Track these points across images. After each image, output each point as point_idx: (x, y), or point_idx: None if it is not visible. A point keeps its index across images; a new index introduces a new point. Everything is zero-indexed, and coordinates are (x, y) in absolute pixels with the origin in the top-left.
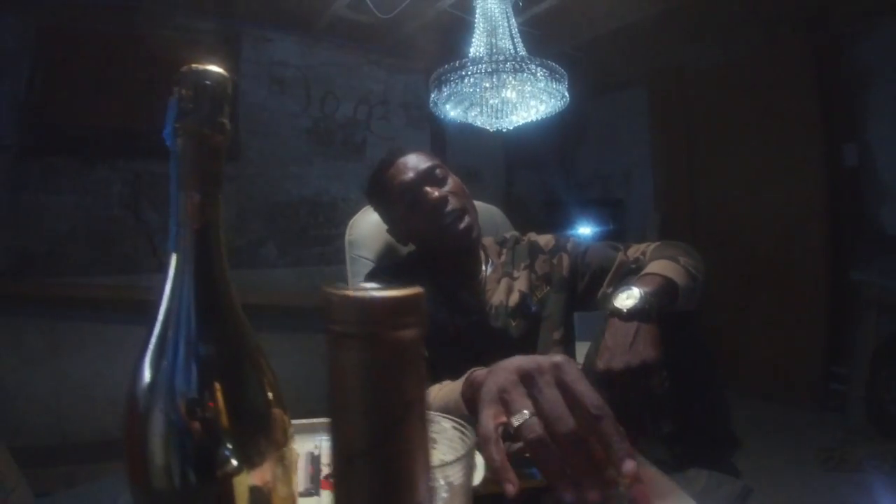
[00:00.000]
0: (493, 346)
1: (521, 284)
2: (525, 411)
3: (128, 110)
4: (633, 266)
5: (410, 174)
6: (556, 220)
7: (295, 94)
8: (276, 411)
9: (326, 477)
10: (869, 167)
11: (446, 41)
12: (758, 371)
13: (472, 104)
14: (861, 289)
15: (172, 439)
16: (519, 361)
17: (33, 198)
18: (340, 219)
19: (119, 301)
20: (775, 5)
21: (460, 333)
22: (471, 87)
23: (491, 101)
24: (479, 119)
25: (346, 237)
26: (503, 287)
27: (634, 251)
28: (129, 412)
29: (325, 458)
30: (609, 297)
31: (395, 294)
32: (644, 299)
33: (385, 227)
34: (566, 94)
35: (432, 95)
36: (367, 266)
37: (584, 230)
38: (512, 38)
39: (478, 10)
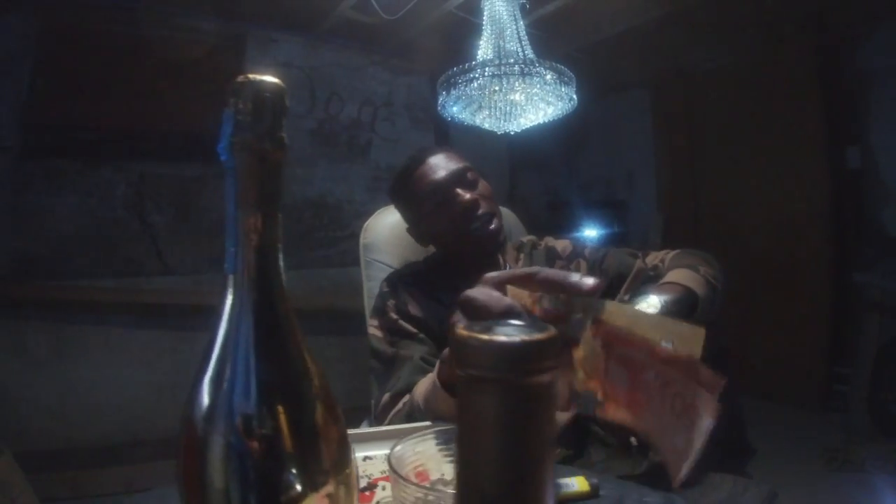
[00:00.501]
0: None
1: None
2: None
3: (131, 111)
4: (652, 273)
5: (442, 173)
6: (559, 221)
7: (300, 95)
8: (338, 433)
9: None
10: (872, 169)
11: (450, 43)
12: (761, 372)
13: (480, 107)
14: (864, 290)
15: (234, 465)
16: None
17: (36, 200)
18: (345, 221)
19: (123, 304)
20: (778, 8)
21: None
22: (479, 89)
23: (499, 104)
24: (488, 122)
25: (361, 240)
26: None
27: (653, 258)
28: (186, 437)
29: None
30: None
31: (535, 338)
32: (664, 308)
33: (403, 227)
34: (574, 96)
35: (440, 98)
36: (383, 269)
37: (590, 232)
38: (520, 40)
39: (485, 13)
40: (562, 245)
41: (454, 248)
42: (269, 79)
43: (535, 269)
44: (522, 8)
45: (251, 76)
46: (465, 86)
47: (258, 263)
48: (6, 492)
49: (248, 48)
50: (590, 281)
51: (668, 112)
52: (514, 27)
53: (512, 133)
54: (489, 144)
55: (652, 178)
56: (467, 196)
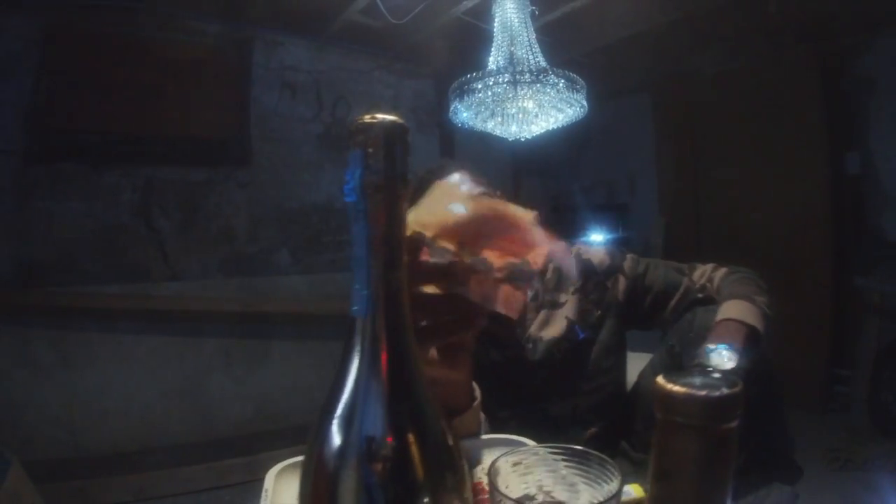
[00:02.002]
0: (532, 377)
1: (568, 311)
2: None
3: (138, 115)
4: (700, 296)
5: (476, 190)
6: (562, 225)
7: (306, 98)
8: (459, 456)
9: None
10: (871, 175)
11: (456, 47)
12: None
13: (492, 114)
14: (863, 294)
15: (369, 498)
16: None
17: (40, 205)
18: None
19: (130, 310)
20: (781, 16)
21: (496, 367)
22: (492, 97)
23: (510, 111)
24: (499, 129)
25: None
26: (541, 318)
27: (700, 275)
28: (315, 474)
29: None
30: (699, 354)
31: (730, 393)
32: (742, 360)
33: None
34: (585, 103)
35: (451, 105)
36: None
37: (595, 237)
38: (531, 47)
39: (497, 20)
40: (598, 258)
41: None
42: (395, 119)
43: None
44: (532, 14)
45: (377, 116)
46: (477, 93)
47: (388, 304)
48: (17, 503)
49: (254, 51)
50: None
51: (670, 116)
52: (525, 34)
53: (522, 139)
54: (493, 149)
55: (654, 182)
56: None
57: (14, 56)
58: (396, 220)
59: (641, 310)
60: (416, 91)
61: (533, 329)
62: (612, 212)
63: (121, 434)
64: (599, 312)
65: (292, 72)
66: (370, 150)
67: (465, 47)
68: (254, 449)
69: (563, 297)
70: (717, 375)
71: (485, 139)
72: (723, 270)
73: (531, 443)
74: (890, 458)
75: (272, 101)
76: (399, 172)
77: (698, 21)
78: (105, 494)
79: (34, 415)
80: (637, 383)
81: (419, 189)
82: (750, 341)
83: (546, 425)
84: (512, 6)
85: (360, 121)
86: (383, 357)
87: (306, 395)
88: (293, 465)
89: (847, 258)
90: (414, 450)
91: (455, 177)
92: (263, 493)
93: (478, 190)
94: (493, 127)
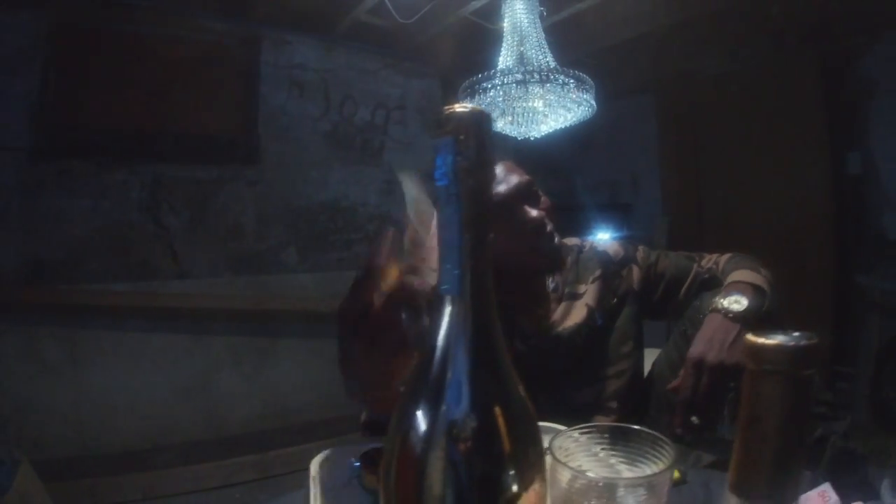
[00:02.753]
0: (556, 365)
1: (588, 298)
2: None
3: (145, 112)
4: (707, 276)
5: (506, 187)
6: (565, 224)
7: (314, 97)
8: (538, 431)
9: None
10: (872, 175)
11: (463, 47)
12: None
13: (503, 113)
14: (865, 292)
15: (458, 474)
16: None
17: (48, 202)
18: (359, 224)
19: (138, 308)
20: (783, 19)
21: (521, 358)
22: (502, 96)
23: (520, 111)
24: (509, 128)
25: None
26: (562, 310)
27: (707, 261)
28: (401, 454)
29: None
30: (709, 299)
31: (810, 343)
32: (750, 305)
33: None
34: (594, 103)
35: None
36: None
37: (602, 236)
38: (541, 47)
39: (506, 21)
40: (613, 249)
41: (510, 264)
42: (482, 108)
43: None
44: (540, 15)
45: (465, 106)
46: (488, 92)
47: (475, 284)
48: (27, 502)
49: (263, 50)
50: None
51: (673, 117)
52: (534, 34)
53: (532, 139)
54: (498, 148)
55: (657, 182)
56: (534, 213)
57: (21, 53)
58: (485, 203)
59: (656, 297)
60: (423, 90)
61: (556, 318)
62: (616, 211)
63: (129, 432)
64: (616, 300)
65: (300, 70)
66: (462, 137)
67: (471, 47)
68: (263, 446)
69: (582, 288)
70: (795, 333)
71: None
72: (727, 255)
73: (562, 428)
74: (891, 454)
75: (280, 100)
76: (487, 157)
77: (702, 23)
78: (114, 493)
79: (42, 413)
80: (651, 372)
81: None
82: (759, 299)
83: (570, 413)
84: (522, 7)
85: (450, 110)
86: (472, 333)
87: (314, 393)
88: (335, 453)
89: (848, 257)
90: (501, 424)
91: (499, 167)
92: (311, 482)
93: (524, 179)
94: (503, 126)
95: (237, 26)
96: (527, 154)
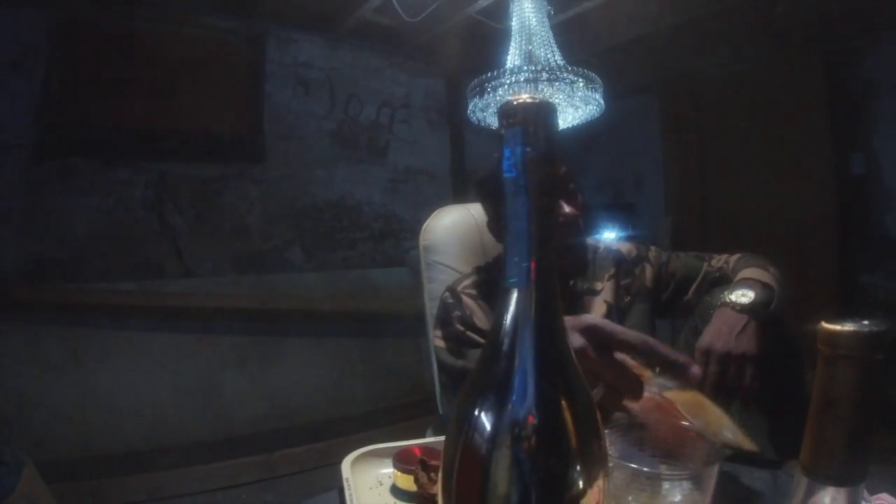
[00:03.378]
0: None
1: (606, 295)
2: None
3: (149, 110)
4: (717, 275)
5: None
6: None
7: (320, 95)
8: (600, 426)
9: None
10: (875, 175)
11: (468, 46)
12: None
13: None
14: (868, 291)
15: (525, 471)
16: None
17: (52, 200)
18: (365, 223)
19: (143, 307)
20: (787, 19)
21: None
22: (509, 94)
23: None
24: None
25: (421, 242)
26: (582, 306)
27: (717, 261)
28: (464, 453)
29: None
30: (719, 294)
31: (881, 329)
32: (758, 298)
33: (463, 228)
34: (602, 101)
35: (470, 103)
36: (444, 272)
37: (608, 235)
38: (549, 46)
39: (514, 19)
40: (626, 248)
41: None
42: (543, 100)
43: (640, 338)
44: (548, 14)
45: (530, 96)
46: (497, 91)
47: (542, 277)
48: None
49: (268, 48)
50: (696, 370)
51: (676, 117)
52: (542, 33)
53: None
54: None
55: (660, 181)
56: (567, 209)
57: (25, 50)
58: (553, 194)
59: (666, 295)
60: (428, 89)
61: (576, 314)
62: (619, 211)
63: (134, 433)
64: (629, 298)
65: (306, 68)
66: (530, 128)
67: (477, 46)
68: (268, 447)
69: (599, 285)
70: (865, 321)
71: (494, 138)
72: (737, 255)
73: None
74: (894, 451)
75: (286, 98)
76: (554, 149)
77: (705, 23)
78: (119, 494)
79: (46, 414)
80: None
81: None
82: (767, 295)
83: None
84: (530, 5)
85: (517, 101)
86: (538, 327)
87: (320, 392)
88: (367, 453)
89: (852, 256)
90: (567, 419)
91: None
92: (345, 483)
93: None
94: None
95: (243, 24)
96: None
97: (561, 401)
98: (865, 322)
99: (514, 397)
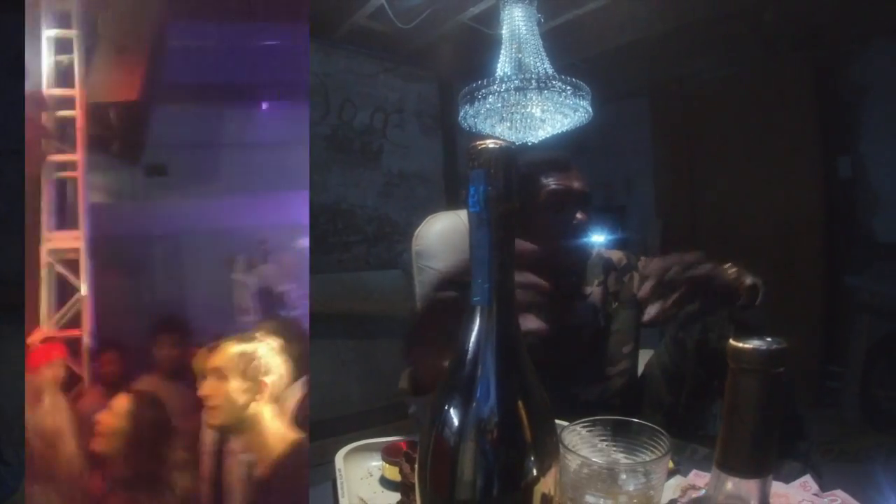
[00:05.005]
0: (563, 363)
1: (594, 299)
2: None
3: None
4: None
5: (574, 187)
6: None
7: (314, 101)
8: (554, 423)
9: None
10: (862, 178)
11: (461, 52)
12: None
13: (501, 118)
14: (855, 293)
15: (484, 461)
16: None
17: None
18: (359, 226)
19: None
20: (776, 25)
21: (533, 351)
22: (499, 102)
23: (516, 116)
24: (508, 133)
25: (413, 248)
26: (570, 309)
27: None
28: (436, 441)
29: None
30: None
31: (780, 347)
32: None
33: (454, 234)
34: (590, 109)
35: (461, 110)
36: (435, 276)
37: (597, 238)
38: (538, 54)
39: (505, 28)
40: (616, 257)
41: (545, 257)
42: (510, 143)
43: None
44: (538, 22)
45: (495, 141)
46: (487, 99)
47: (502, 296)
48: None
49: None
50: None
51: (667, 121)
52: (532, 42)
53: (529, 143)
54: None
55: (650, 184)
56: (580, 216)
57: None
58: (512, 227)
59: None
60: (421, 94)
61: (564, 316)
62: (610, 214)
63: None
64: (617, 304)
65: None
66: (492, 170)
67: (470, 52)
68: None
69: (588, 289)
70: (769, 339)
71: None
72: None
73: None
74: (880, 450)
75: None
76: (514, 188)
77: (695, 29)
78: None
79: None
80: (644, 373)
81: (542, 162)
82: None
83: (577, 410)
84: (520, 14)
85: (481, 145)
86: (498, 339)
87: (315, 392)
88: (359, 447)
89: (839, 258)
90: (523, 417)
91: (574, 170)
92: (338, 474)
93: (587, 191)
94: (502, 131)
95: None
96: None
97: (518, 401)
98: (769, 339)
99: (478, 397)
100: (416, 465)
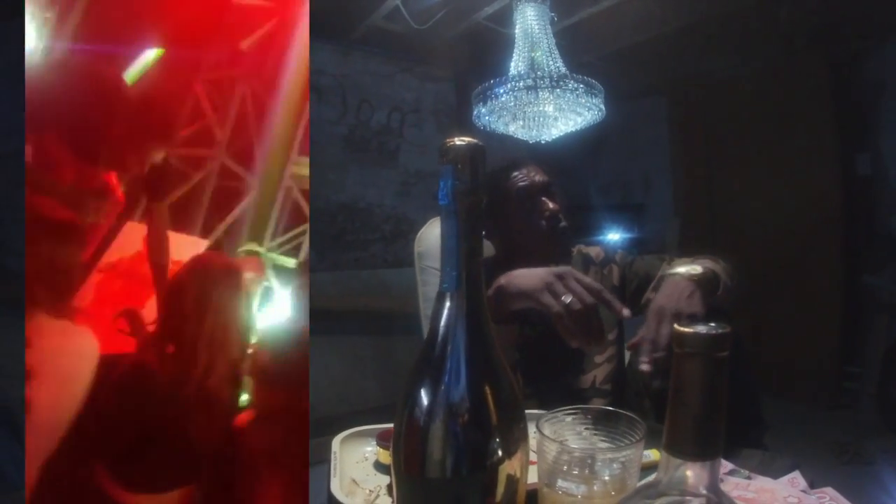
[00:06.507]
0: (556, 353)
1: None
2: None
3: None
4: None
5: (537, 179)
6: (578, 225)
7: (332, 101)
8: (522, 410)
9: None
10: (881, 176)
11: (477, 51)
12: (774, 370)
13: (514, 117)
14: (873, 292)
15: (453, 440)
16: (544, 270)
17: None
18: (376, 224)
19: None
20: (792, 21)
21: (528, 343)
22: (512, 101)
23: (531, 115)
24: (521, 131)
25: (416, 249)
26: None
27: (679, 263)
28: (407, 424)
29: None
30: (671, 267)
31: (723, 331)
32: (705, 272)
33: None
34: (603, 107)
35: (475, 108)
36: (436, 275)
37: (612, 236)
38: (551, 53)
39: (518, 27)
40: (595, 252)
41: (523, 247)
42: (477, 141)
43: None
44: (551, 20)
45: (462, 139)
46: (500, 97)
47: (470, 283)
48: None
49: None
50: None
51: (684, 119)
52: (545, 41)
53: (542, 142)
54: (511, 150)
55: (668, 183)
56: (551, 205)
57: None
58: (479, 219)
59: (630, 291)
60: (438, 94)
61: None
62: (628, 212)
63: None
64: None
65: (318, 75)
66: (459, 165)
67: (485, 51)
68: None
69: None
70: (713, 324)
71: (504, 141)
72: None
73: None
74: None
75: None
76: (480, 183)
77: (711, 25)
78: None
79: None
80: (630, 359)
81: (499, 172)
82: (712, 276)
83: (571, 398)
84: (532, 13)
85: (450, 142)
86: (467, 323)
87: (332, 388)
88: (353, 434)
89: (857, 257)
90: (490, 400)
91: (529, 167)
92: (332, 456)
93: (547, 178)
94: (515, 130)
95: None
96: (540, 156)
97: (485, 384)
98: (713, 325)
99: (446, 379)
100: (391, 442)
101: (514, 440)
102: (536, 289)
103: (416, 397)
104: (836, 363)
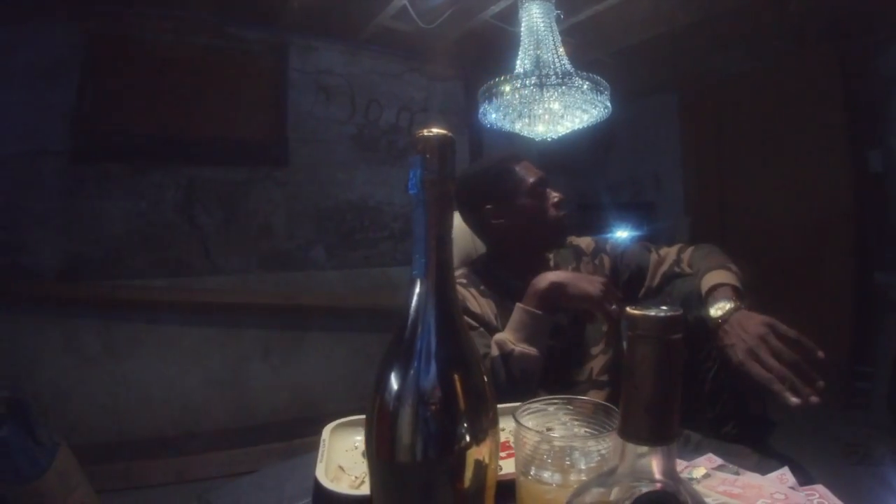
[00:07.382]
0: (555, 345)
1: None
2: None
3: (180, 118)
4: (677, 269)
5: (538, 176)
6: (589, 223)
7: (341, 101)
8: (492, 398)
9: None
10: (893, 173)
11: (485, 50)
12: None
13: (520, 115)
14: (885, 291)
15: (421, 423)
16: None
17: (88, 203)
18: (385, 223)
19: (173, 303)
20: (803, 16)
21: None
22: (518, 99)
23: (537, 113)
24: (526, 129)
25: None
26: None
27: (665, 252)
28: (378, 410)
29: None
30: (680, 286)
31: (673, 314)
32: (734, 306)
33: (459, 233)
34: (609, 104)
35: (481, 106)
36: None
37: (622, 233)
38: (556, 51)
39: (523, 24)
40: (585, 243)
41: (528, 237)
42: (446, 132)
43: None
44: (557, 18)
45: (432, 130)
46: (505, 95)
47: (438, 269)
48: (65, 481)
49: (291, 56)
50: None
51: (694, 116)
52: (550, 39)
53: (549, 139)
54: (520, 148)
55: (679, 180)
56: (556, 194)
57: (60, 62)
58: (447, 208)
59: (624, 281)
60: (446, 93)
61: None
62: (639, 210)
63: (163, 420)
64: None
65: (327, 75)
66: (427, 155)
67: (493, 49)
68: (290, 434)
69: None
70: (664, 307)
71: (512, 139)
72: (690, 248)
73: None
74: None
75: (308, 104)
76: (448, 172)
77: (720, 21)
78: (148, 476)
79: (81, 402)
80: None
81: (501, 165)
82: (738, 297)
83: (571, 389)
84: (538, 11)
85: (420, 133)
86: (436, 309)
87: (340, 384)
88: (344, 423)
89: (869, 255)
90: (458, 387)
91: (527, 162)
92: (321, 443)
93: (543, 173)
94: (521, 128)
95: (266, 34)
96: (550, 154)
97: (453, 369)
98: (664, 308)
99: (415, 364)
100: (365, 426)
101: (483, 425)
102: (596, 296)
103: (387, 382)
104: (848, 362)
